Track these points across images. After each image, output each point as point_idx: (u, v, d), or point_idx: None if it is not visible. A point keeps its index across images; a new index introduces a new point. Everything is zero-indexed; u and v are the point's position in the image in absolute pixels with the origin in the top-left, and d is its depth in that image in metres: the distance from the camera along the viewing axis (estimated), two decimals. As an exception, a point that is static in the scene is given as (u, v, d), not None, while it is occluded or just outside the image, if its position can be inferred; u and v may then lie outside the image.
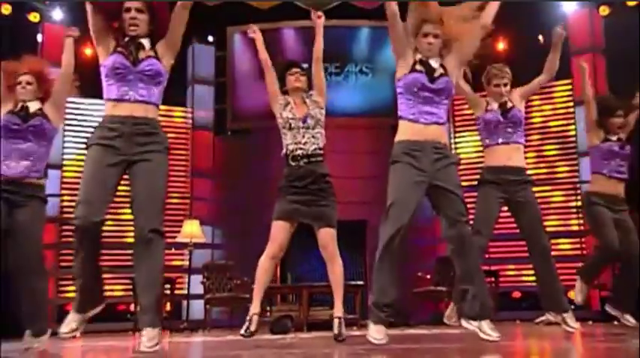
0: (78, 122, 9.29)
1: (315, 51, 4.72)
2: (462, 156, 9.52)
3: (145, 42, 3.58)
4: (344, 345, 4.20)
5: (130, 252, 8.56)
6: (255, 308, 4.54)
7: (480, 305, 3.69)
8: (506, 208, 4.68)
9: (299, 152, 4.52)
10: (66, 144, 9.29)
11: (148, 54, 3.56)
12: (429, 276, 9.02)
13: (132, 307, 8.54)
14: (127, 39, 3.55)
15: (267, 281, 4.60)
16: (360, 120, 10.27)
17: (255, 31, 4.85)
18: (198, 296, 9.06)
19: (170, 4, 3.68)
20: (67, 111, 8.80)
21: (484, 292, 3.76)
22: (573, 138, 9.29)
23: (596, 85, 9.08)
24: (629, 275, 5.27)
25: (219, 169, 10.57)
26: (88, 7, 3.60)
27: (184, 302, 9.08)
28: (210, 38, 10.83)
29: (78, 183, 3.58)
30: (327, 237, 4.51)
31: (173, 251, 9.27)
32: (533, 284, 8.17)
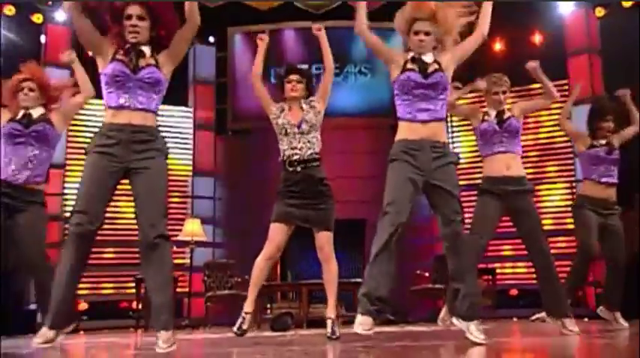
0: (82, 122, 9.36)
1: (326, 62, 4.77)
2: (460, 154, 9.57)
3: (146, 49, 3.55)
4: (343, 342, 4.23)
5: (131, 249, 8.73)
6: (248, 307, 4.62)
7: (469, 305, 3.67)
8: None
9: (295, 157, 4.57)
10: (69, 144, 9.36)
11: (149, 62, 3.53)
12: (427, 274, 9.12)
13: (134, 304, 8.59)
14: (127, 46, 3.52)
15: (261, 281, 4.67)
16: (359, 120, 10.34)
17: (262, 38, 4.91)
18: (199, 294, 9.14)
19: (175, 4, 3.68)
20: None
21: (475, 292, 3.75)
22: (569, 138, 9.34)
23: (592, 86, 9.21)
24: (616, 278, 5.35)
25: (220, 169, 10.66)
26: (79, 25, 3.60)
27: (185, 300, 9.15)
28: (211, 39, 10.91)
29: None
30: (323, 240, 4.58)
31: (175, 249, 9.32)
32: (530, 281, 8.32)
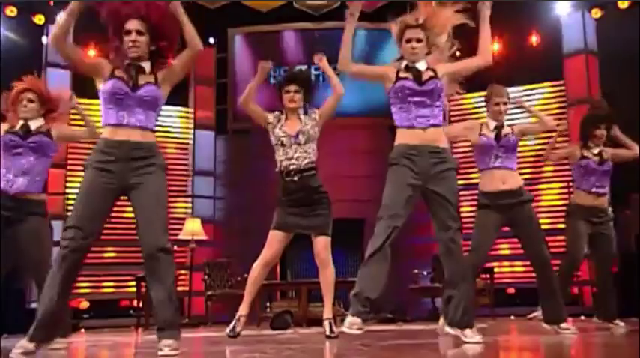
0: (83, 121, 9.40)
1: (333, 87, 4.81)
2: (457, 153, 9.63)
3: (146, 65, 3.52)
4: (342, 340, 4.24)
5: (132, 248, 8.78)
6: (243, 309, 4.70)
7: (462, 313, 3.66)
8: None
9: (292, 167, 4.62)
10: (70, 143, 9.39)
11: (148, 79, 3.50)
12: (425, 273, 9.19)
13: (135, 303, 8.65)
14: (127, 62, 3.49)
15: (257, 286, 4.77)
16: (358, 120, 10.39)
17: (264, 66, 4.82)
18: (199, 293, 9.21)
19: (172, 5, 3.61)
20: (71, 111, 8.92)
21: (467, 300, 3.73)
22: (566, 139, 9.40)
23: (588, 87, 9.28)
24: (605, 284, 5.40)
25: (221, 168, 10.73)
26: (69, 59, 3.61)
27: (186, 299, 9.20)
28: (212, 40, 10.94)
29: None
30: (320, 245, 4.65)
31: (175, 248, 9.36)
32: (527, 280, 8.38)
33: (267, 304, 8.87)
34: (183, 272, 9.35)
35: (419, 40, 3.80)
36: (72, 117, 7.02)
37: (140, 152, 3.41)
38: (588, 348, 3.62)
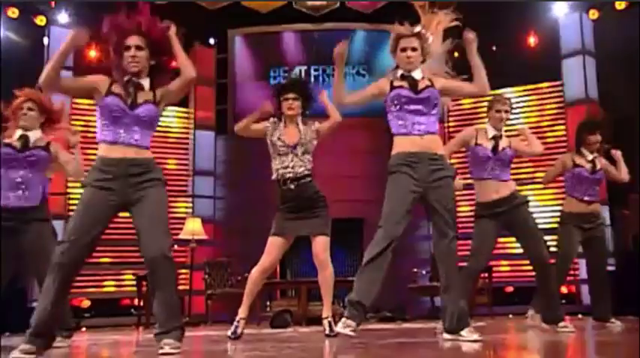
0: (84, 122, 9.45)
1: (332, 117, 4.80)
2: (457, 153, 9.68)
3: (145, 82, 3.52)
4: (341, 339, 4.18)
5: (133, 248, 8.80)
6: (242, 313, 4.76)
7: (457, 320, 3.69)
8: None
9: (288, 175, 4.67)
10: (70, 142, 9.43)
11: (146, 97, 3.49)
12: (424, 272, 9.24)
13: (135, 302, 8.69)
14: (126, 78, 3.48)
15: (255, 292, 4.84)
16: (358, 121, 10.35)
17: (266, 106, 4.84)
18: (199, 292, 9.24)
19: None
20: (72, 110, 9.00)
21: (460, 306, 3.71)
22: (563, 138, 9.47)
23: (586, 87, 9.34)
24: (600, 285, 5.48)
25: (221, 168, 10.78)
26: (65, 92, 3.65)
27: (186, 298, 9.24)
28: (212, 41, 11.00)
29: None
30: (319, 245, 4.69)
31: (176, 248, 9.42)
32: (525, 279, 8.43)
33: (267, 303, 8.92)
34: (183, 271, 9.37)
35: (414, 49, 3.83)
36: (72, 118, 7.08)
37: (138, 169, 3.41)
38: (586, 346, 3.66)
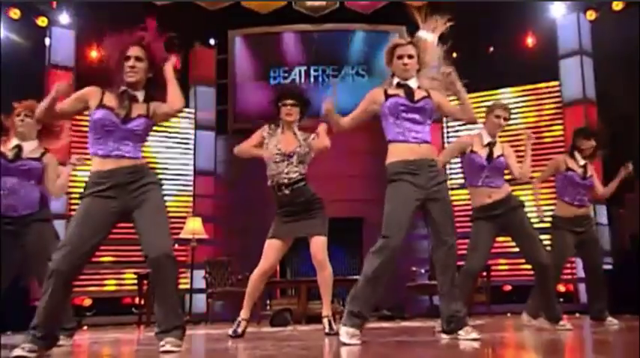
0: (85, 118, 9.48)
1: (321, 141, 4.79)
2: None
3: (140, 95, 3.54)
4: (339, 338, 4.24)
5: (134, 247, 8.86)
6: (244, 314, 4.83)
7: (455, 323, 3.71)
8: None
9: (283, 181, 4.73)
10: (73, 139, 9.44)
11: (140, 111, 3.50)
12: (423, 271, 9.28)
13: (137, 300, 8.74)
14: (122, 89, 3.50)
15: (256, 294, 4.90)
16: (357, 121, 10.47)
17: (264, 154, 4.85)
18: (200, 291, 9.33)
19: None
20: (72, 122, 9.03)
21: (456, 309, 3.74)
22: (561, 138, 9.50)
23: (584, 87, 9.38)
24: (596, 285, 5.53)
25: (221, 168, 10.83)
26: (61, 117, 3.69)
27: (187, 296, 9.28)
28: (212, 41, 11.05)
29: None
30: (317, 246, 4.74)
31: (176, 247, 9.47)
32: (524, 278, 8.48)
33: (267, 302, 8.97)
34: (184, 270, 9.42)
35: (410, 56, 3.83)
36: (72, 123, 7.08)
37: (134, 176, 3.42)
38: (583, 345, 3.69)
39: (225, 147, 10.91)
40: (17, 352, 3.20)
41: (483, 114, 4.93)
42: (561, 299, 5.37)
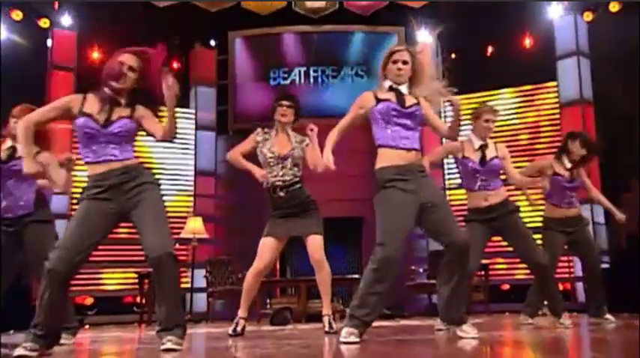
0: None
1: (313, 162, 4.82)
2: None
3: (123, 99, 3.53)
4: (338, 336, 4.22)
5: (135, 246, 8.90)
6: (242, 312, 4.89)
7: (456, 314, 3.76)
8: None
9: (278, 183, 4.81)
10: (74, 141, 9.50)
11: (122, 113, 3.50)
12: (422, 270, 9.34)
13: (138, 299, 8.80)
14: (104, 95, 3.50)
15: (253, 293, 4.95)
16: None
17: (261, 175, 4.86)
18: (201, 290, 9.38)
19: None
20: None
21: (458, 301, 3.78)
22: (558, 139, 9.54)
23: (581, 88, 9.44)
24: (594, 285, 5.58)
25: (221, 168, 10.86)
26: (47, 122, 3.62)
27: (188, 295, 9.31)
28: (212, 42, 11.08)
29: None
30: (313, 245, 4.81)
31: (177, 246, 9.50)
32: (522, 277, 8.55)
33: (267, 301, 8.99)
34: (185, 269, 9.46)
35: (405, 62, 3.85)
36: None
37: (128, 176, 3.44)
38: (582, 343, 3.71)
39: (226, 148, 10.92)
40: (19, 351, 3.22)
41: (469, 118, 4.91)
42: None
